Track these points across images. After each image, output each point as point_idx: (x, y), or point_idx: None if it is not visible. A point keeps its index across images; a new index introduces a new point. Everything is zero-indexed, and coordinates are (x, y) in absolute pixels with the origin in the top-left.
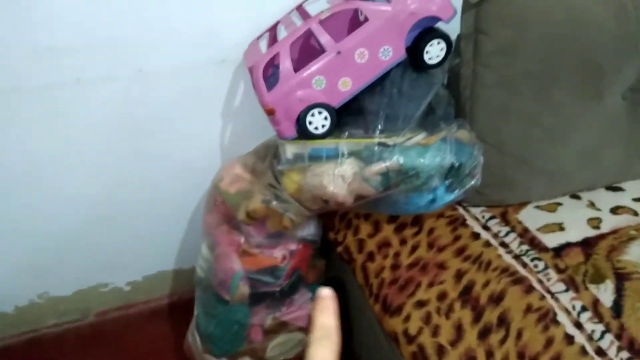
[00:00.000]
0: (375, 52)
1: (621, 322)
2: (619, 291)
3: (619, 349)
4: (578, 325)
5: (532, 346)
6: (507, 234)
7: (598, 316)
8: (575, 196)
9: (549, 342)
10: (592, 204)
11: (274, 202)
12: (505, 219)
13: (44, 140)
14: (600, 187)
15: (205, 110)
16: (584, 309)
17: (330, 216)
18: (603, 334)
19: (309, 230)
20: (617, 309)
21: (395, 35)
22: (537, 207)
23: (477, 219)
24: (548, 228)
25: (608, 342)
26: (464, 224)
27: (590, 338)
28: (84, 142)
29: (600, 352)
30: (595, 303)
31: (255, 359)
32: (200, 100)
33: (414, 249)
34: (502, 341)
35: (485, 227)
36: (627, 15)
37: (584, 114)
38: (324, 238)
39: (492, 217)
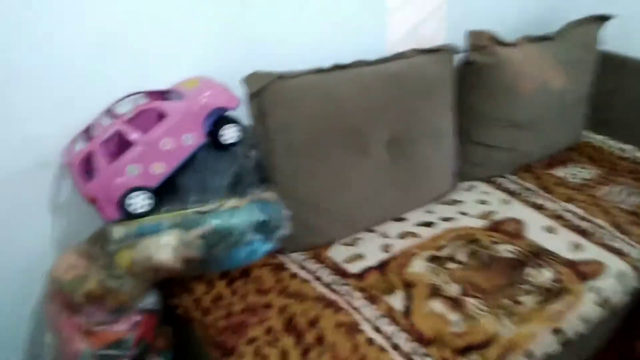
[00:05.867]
0: (179, 140)
1: (411, 320)
2: (408, 297)
3: (409, 341)
4: (377, 330)
5: (343, 353)
6: (319, 269)
7: (392, 319)
8: (371, 230)
9: (356, 348)
10: (384, 234)
11: (109, 281)
12: (318, 258)
13: None
14: (388, 220)
15: (32, 211)
16: (382, 316)
17: (169, 284)
18: (397, 332)
19: (148, 301)
20: (407, 311)
21: (193, 125)
22: (343, 244)
23: (295, 262)
24: (352, 258)
25: (401, 338)
26: (284, 268)
27: (387, 338)
28: None
29: (396, 347)
30: (390, 310)
31: None
32: (26, 203)
33: (244, 296)
34: (320, 355)
35: (302, 267)
36: (369, 91)
37: (356, 166)
38: (167, 306)
39: (307, 258)
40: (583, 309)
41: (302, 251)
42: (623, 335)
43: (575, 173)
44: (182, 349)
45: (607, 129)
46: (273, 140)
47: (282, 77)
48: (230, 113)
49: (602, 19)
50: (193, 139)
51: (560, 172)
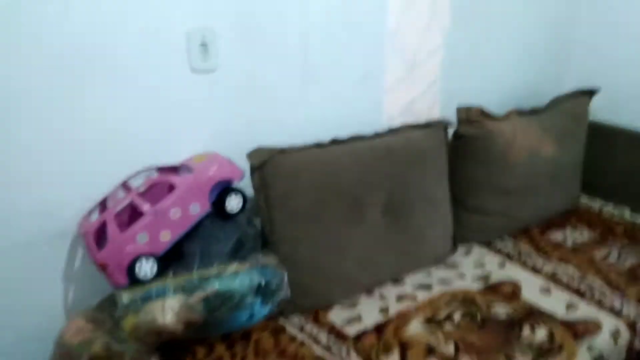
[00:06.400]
0: (186, 209)
1: None
2: (403, 357)
3: None
4: None
5: None
6: (318, 332)
7: None
8: (370, 292)
9: None
10: (382, 297)
11: (114, 344)
12: (317, 321)
13: None
14: (387, 282)
15: (46, 278)
16: None
17: (170, 347)
18: None
19: None
20: None
21: (200, 195)
22: (342, 306)
23: (294, 325)
24: (349, 321)
25: None
26: (284, 331)
27: None
28: None
29: None
30: None
31: None
32: (41, 270)
33: (243, 359)
34: None
35: (302, 330)
36: (365, 164)
37: (354, 232)
38: None
39: (307, 321)
40: None
41: (302, 314)
42: None
43: (571, 236)
44: None
45: (602, 194)
46: (274, 209)
47: (282, 151)
48: (235, 184)
49: (590, 93)
50: (199, 209)
51: (556, 235)
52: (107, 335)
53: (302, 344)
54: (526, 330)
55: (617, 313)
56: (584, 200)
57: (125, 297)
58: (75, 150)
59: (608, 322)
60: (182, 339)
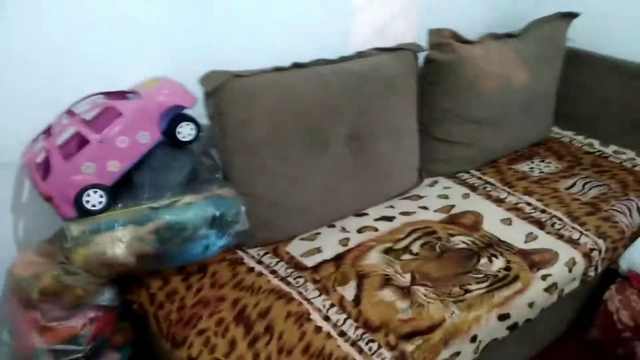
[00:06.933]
0: (134, 138)
1: (359, 309)
2: (359, 287)
3: (357, 328)
4: (326, 318)
5: (289, 341)
6: (276, 264)
7: (342, 308)
8: (332, 225)
9: (303, 335)
10: (343, 229)
11: (65, 277)
12: (276, 253)
13: None
14: (350, 215)
15: None
16: (332, 305)
17: (127, 280)
18: (345, 320)
19: (105, 297)
20: (357, 300)
21: (149, 123)
22: (302, 238)
23: (253, 257)
24: (309, 253)
25: (348, 325)
26: (241, 263)
27: (335, 325)
28: None
29: (342, 334)
30: (341, 299)
31: None
32: None
33: (199, 290)
34: (267, 344)
35: (260, 262)
36: (328, 88)
37: (315, 162)
38: (126, 302)
39: (265, 253)
40: (530, 295)
41: (261, 246)
42: (578, 325)
43: (538, 167)
44: (141, 345)
45: (575, 125)
46: (230, 138)
47: (238, 75)
48: (187, 111)
49: (570, 16)
50: (149, 137)
51: (523, 166)
52: (58, 268)
53: (259, 274)
54: (484, 261)
55: (575, 243)
56: (556, 131)
57: (74, 229)
58: (15, 75)
59: (565, 252)
60: (136, 271)
